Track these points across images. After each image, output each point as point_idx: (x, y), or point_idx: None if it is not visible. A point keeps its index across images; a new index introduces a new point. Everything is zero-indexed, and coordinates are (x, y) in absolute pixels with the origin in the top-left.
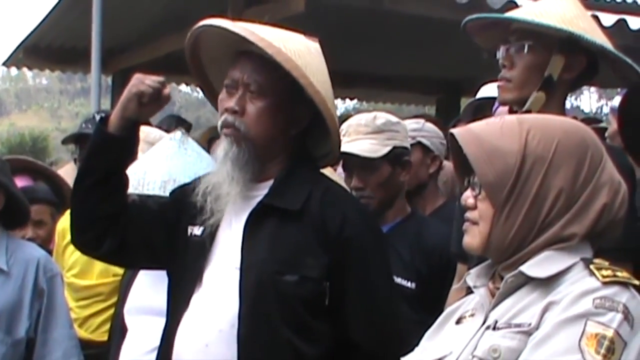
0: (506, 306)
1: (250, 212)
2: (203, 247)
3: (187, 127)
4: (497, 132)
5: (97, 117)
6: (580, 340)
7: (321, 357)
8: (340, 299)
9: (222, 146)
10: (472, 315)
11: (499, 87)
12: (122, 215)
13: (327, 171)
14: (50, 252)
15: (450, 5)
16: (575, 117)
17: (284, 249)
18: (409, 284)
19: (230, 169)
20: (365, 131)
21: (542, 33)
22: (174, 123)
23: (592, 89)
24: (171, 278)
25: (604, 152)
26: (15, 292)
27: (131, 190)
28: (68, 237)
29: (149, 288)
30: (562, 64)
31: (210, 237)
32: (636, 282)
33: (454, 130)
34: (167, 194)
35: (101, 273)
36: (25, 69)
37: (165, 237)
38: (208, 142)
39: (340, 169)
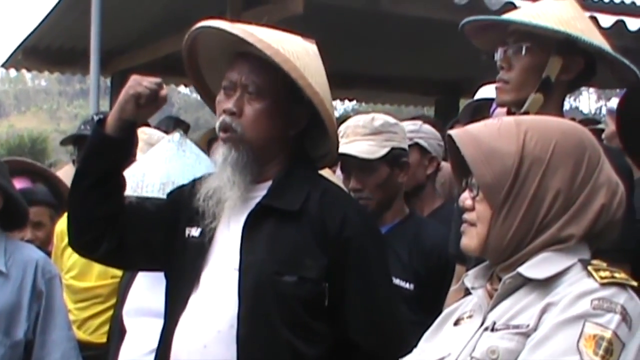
0: (504, 307)
1: (248, 213)
2: (201, 248)
3: (185, 128)
4: (495, 133)
5: (96, 119)
6: (578, 341)
7: (320, 358)
8: (340, 299)
9: (221, 151)
10: (470, 316)
11: (496, 88)
12: (120, 217)
13: (326, 172)
14: (49, 254)
15: (449, 6)
16: (573, 119)
17: (282, 249)
18: (407, 285)
19: (231, 173)
20: (363, 132)
21: (539, 35)
22: (172, 124)
23: (591, 89)
24: (169, 279)
25: (601, 153)
26: (13, 293)
27: (130, 192)
28: (67, 238)
29: (148, 290)
30: (560, 65)
31: (208, 238)
32: (634, 283)
33: (451, 132)
34: (165, 196)
35: (100, 275)
36: (24, 71)
37: (162, 239)
38: (208, 143)
39: (339, 170)
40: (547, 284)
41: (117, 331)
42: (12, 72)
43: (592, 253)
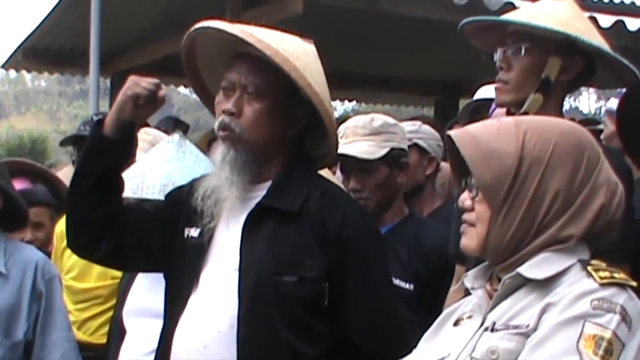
0: (504, 308)
1: (248, 213)
2: (200, 249)
3: (184, 128)
4: (494, 133)
5: (95, 119)
6: (578, 341)
7: (320, 358)
8: (340, 299)
9: (220, 150)
10: (470, 317)
11: (496, 89)
12: (118, 218)
13: (326, 173)
14: (49, 255)
15: (448, 6)
16: (573, 119)
17: (282, 249)
18: (407, 286)
19: (229, 172)
20: (362, 133)
21: (538, 35)
22: (172, 125)
23: (591, 90)
24: (168, 280)
25: (600, 154)
26: (13, 294)
27: (130, 194)
28: None
29: (148, 290)
30: (559, 65)
31: (207, 238)
32: (633, 283)
33: (451, 132)
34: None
35: (99, 276)
36: (24, 71)
37: (161, 240)
38: (208, 144)
39: (339, 172)
40: (546, 284)
41: (117, 332)
42: (12, 72)
43: (591, 253)
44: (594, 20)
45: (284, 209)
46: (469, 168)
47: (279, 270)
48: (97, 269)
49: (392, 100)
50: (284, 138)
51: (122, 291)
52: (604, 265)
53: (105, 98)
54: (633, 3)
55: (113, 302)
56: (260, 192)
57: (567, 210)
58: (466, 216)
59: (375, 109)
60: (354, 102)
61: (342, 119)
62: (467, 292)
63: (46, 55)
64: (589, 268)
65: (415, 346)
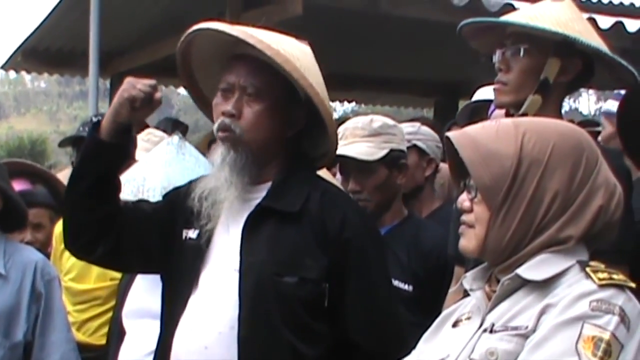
0: (503, 309)
1: (248, 215)
2: (199, 250)
3: (183, 129)
4: (493, 135)
5: (95, 120)
6: (577, 343)
7: (320, 358)
8: (340, 299)
9: (219, 151)
10: (469, 318)
11: (495, 90)
12: (116, 220)
13: (325, 174)
14: (48, 256)
15: (448, 8)
16: (572, 120)
17: (283, 250)
18: (406, 287)
19: (228, 174)
20: (362, 134)
21: (537, 36)
22: (171, 125)
23: (591, 91)
24: (166, 281)
25: (599, 155)
26: (13, 295)
27: (131, 196)
28: None
29: (147, 291)
30: (558, 67)
31: (206, 239)
32: (632, 284)
33: (449, 134)
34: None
35: (98, 277)
36: (23, 72)
37: (159, 241)
38: (208, 146)
39: (339, 174)
40: (545, 285)
41: (116, 333)
42: (12, 73)
43: (590, 254)
44: (593, 21)
45: (284, 210)
46: (468, 169)
47: (280, 271)
48: (96, 270)
49: (392, 101)
50: (283, 139)
51: (121, 292)
52: (602, 266)
53: (105, 99)
54: (632, 4)
55: (112, 303)
56: (260, 193)
57: (565, 212)
58: (465, 217)
59: (374, 110)
60: (353, 103)
61: (342, 120)
62: (466, 294)
63: (46, 56)
64: (587, 269)
65: (414, 347)
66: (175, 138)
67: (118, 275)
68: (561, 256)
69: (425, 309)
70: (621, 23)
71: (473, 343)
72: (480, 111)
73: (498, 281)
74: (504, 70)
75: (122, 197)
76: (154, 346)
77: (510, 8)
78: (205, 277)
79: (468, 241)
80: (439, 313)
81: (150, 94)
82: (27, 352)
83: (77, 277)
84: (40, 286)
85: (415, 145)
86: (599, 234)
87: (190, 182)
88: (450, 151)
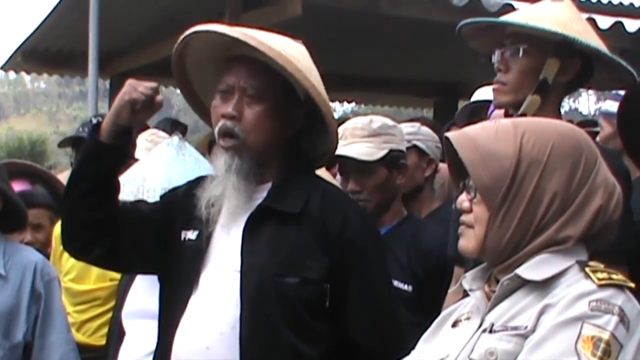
0: (502, 309)
1: (249, 216)
2: (199, 251)
3: (182, 129)
4: (492, 135)
5: (94, 121)
6: (576, 342)
7: (321, 358)
8: (341, 300)
9: (223, 160)
10: (468, 318)
11: (494, 90)
12: (114, 221)
13: (325, 175)
14: (48, 256)
15: (447, 8)
16: (571, 120)
17: (284, 251)
18: (405, 287)
19: (236, 181)
20: (361, 134)
21: (536, 36)
22: (170, 126)
23: (590, 91)
24: (164, 282)
25: (598, 155)
26: (12, 296)
27: (131, 197)
28: None
29: (147, 292)
30: (557, 67)
31: (206, 240)
32: (632, 284)
33: (449, 134)
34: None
35: (98, 278)
36: (23, 73)
37: (156, 242)
38: (209, 146)
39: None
40: (545, 285)
41: (116, 333)
42: (12, 74)
43: (590, 254)
44: (592, 21)
45: (285, 211)
46: (467, 170)
47: (281, 271)
48: (95, 270)
49: (392, 101)
50: (283, 139)
51: (121, 293)
52: (602, 266)
53: (105, 100)
54: (632, 4)
55: (112, 303)
56: (260, 193)
57: (565, 212)
58: (464, 218)
59: (374, 110)
60: (353, 104)
61: (342, 121)
62: (465, 294)
63: (45, 57)
64: (587, 269)
65: (413, 347)
66: (175, 139)
67: (118, 275)
68: (560, 256)
69: (425, 309)
70: (621, 23)
71: (472, 343)
72: (479, 111)
73: (497, 281)
74: (503, 70)
75: (122, 197)
76: (153, 346)
77: (510, 8)
78: (206, 277)
79: (467, 241)
80: (439, 313)
81: (152, 97)
82: (27, 353)
83: (76, 277)
84: (40, 287)
85: (415, 146)
86: (598, 234)
87: (189, 183)
88: (449, 151)
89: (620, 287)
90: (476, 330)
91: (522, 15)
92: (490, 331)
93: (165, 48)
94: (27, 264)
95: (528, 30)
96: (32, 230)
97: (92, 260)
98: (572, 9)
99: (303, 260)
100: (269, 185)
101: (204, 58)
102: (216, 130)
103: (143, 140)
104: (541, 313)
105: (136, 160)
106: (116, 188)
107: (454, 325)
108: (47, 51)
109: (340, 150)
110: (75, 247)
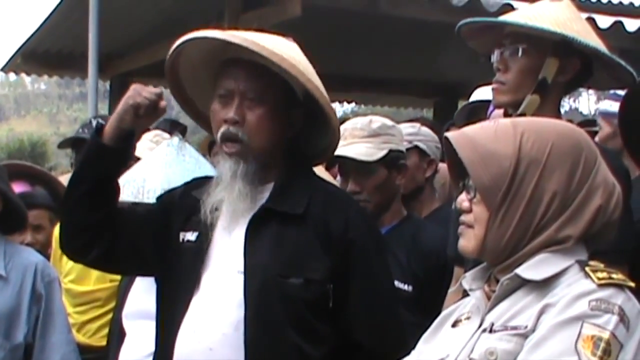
0: (502, 309)
1: (252, 217)
2: (199, 252)
3: (181, 129)
4: (492, 135)
5: (94, 122)
6: (576, 342)
7: (324, 358)
8: (344, 300)
9: (229, 166)
10: (468, 318)
11: (493, 90)
12: (112, 223)
13: (326, 175)
14: (49, 257)
15: (447, 8)
16: (570, 120)
17: (287, 252)
18: (405, 287)
19: (242, 185)
20: (361, 135)
21: (536, 36)
22: (169, 126)
23: (590, 91)
24: (162, 283)
25: (598, 155)
26: (13, 297)
27: (131, 198)
28: None
29: (147, 293)
30: (556, 66)
31: (206, 241)
32: (631, 284)
33: (448, 134)
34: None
35: (98, 279)
36: (23, 74)
37: (153, 244)
38: (209, 147)
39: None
40: (544, 285)
41: (116, 334)
42: (12, 75)
43: (589, 254)
44: (592, 21)
45: (288, 212)
46: (467, 170)
47: (285, 272)
48: (96, 271)
49: (391, 102)
50: (284, 140)
51: (121, 293)
52: (602, 266)
53: (105, 101)
54: (632, 4)
55: (112, 304)
56: (261, 194)
57: (564, 211)
58: (464, 217)
59: (374, 110)
60: (353, 104)
61: (341, 121)
62: (465, 294)
63: (45, 58)
64: (587, 269)
65: (413, 347)
66: (176, 139)
67: (118, 276)
68: (560, 256)
69: (425, 309)
70: (620, 23)
71: (472, 343)
72: (478, 112)
73: (497, 281)
74: (502, 70)
75: (122, 198)
76: (154, 347)
77: (509, 8)
78: (208, 279)
79: (467, 241)
80: (439, 313)
81: (155, 102)
82: (28, 354)
83: (77, 278)
84: (40, 288)
85: (416, 146)
86: (598, 233)
87: (186, 184)
88: (449, 151)
89: (620, 286)
90: (476, 330)
91: (521, 15)
92: (490, 331)
93: (165, 49)
94: (27, 265)
95: (527, 30)
96: (33, 232)
97: (89, 262)
98: (571, 9)
99: (306, 261)
100: (270, 186)
101: (197, 62)
102: (219, 135)
103: (147, 141)
104: (541, 313)
105: (138, 160)
106: (116, 191)
107: (454, 325)
108: (47, 52)
109: (339, 151)
110: (73, 248)
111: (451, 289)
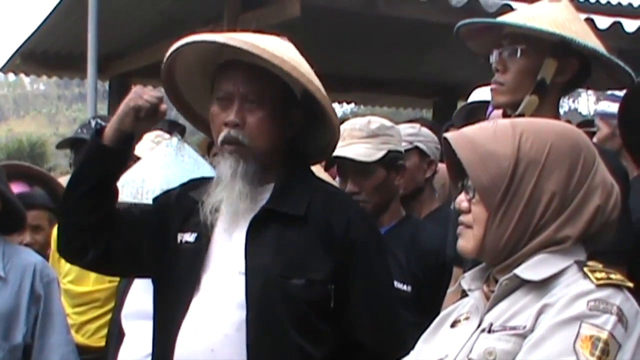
0: (501, 309)
1: (252, 218)
2: (198, 253)
3: (180, 130)
4: (491, 136)
5: (93, 122)
6: (574, 342)
7: (325, 358)
8: (345, 300)
9: (229, 164)
10: (467, 318)
11: (492, 90)
12: (109, 225)
13: (321, 173)
14: (47, 258)
15: (446, 8)
16: (569, 121)
17: (289, 253)
18: (404, 287)
19: (242, 185)
20: (359, 135)
21: (534, 37)
22: (167, 126)
23: (590, 91)
24: (159, 285)
25: (596, 155)
26: (12, 297)
27: (130, 198)
28: None
29: (146, 293)
30: (555, 67)
31: (205, 242)
32: (630, 284)
33: (447, 134)
34: None
35: (97, 279)
36: (22, 75)
37: (150, 245)
38: (208, 148)
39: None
40: (543, 285)
41: (115, 334)
42: (11, 76)
43: (588, 254)
44: (591, 21)
45: (289, 213)
46: (466, 170)
47: (287, 273)
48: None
49: (391, 102)
50: (284, 140)
51: (120, 294)
52: (600, 266)
53: (104, 101)
54: (630, 4)
55: (111, 305)
56: (261, 195)
57: (563, 212)
58: (463, 218)
59: (373, 111)
60: (352, 105)
61: (340, 122)
62: (464, 294)
63: (44, 59)
64: (585, 269)
65: (412, 347)
66: (175, 140)
67: (116, 277)
68: (559, 256)
69: (424, 309)
70: (619, 23)
71: (471, 343)
72: (476, 112)
73: (496, 281)
74: (501, 70)
75: (121, 198)
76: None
77: (508, 9)
78: (208, 280)
79: (466, 242)
80: (438, 313)
81: (156, 105)
82: (27, 354)
83: (75, 279)
84: (39, 288)
85: (416, 147)
86: (596, 234)
87: (182, 185)
88: (448, 152)
89: (618, 286)
90: (475, 330)
91: (520, 16)
92: (489, 331)
93: (164, 49)
94: (26, 266)
95: (526, 30)
96: (31, 232)
97: (86, 264)
98: (569, 10)
99: (308, 262)
100: (270, 186)
101: (192, 65)
102: (220, 139)
103: (148, 142)
104: (540, 313)
105: (138, 159)
106: (115, 193)
107: (453, 325)
108: (46, 53)
109: (338, 152)
110: (71, 250)
111: (450, 289)
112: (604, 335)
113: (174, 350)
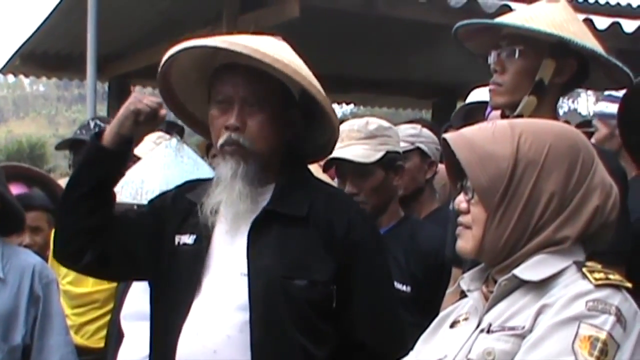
0: (500, 309)
1: (254, 219)
2: (198, 255)
3: (178, 130)
4: (489, 136)
5: (92, 123)
6: (573, 342)
7: (327, 358)
8: (347, 300)
9: (229, 165)
10: (466, 318)
11: (490, 91)
12: (106, 228)
13: (324, 176)
14: (46, 259)
15: (445, 9)
16: (567, 121)
17: (291, 254)
18: (404, 288)
19: (242, 186)
20: (358, 136)
21: (532, 38)
22: (165, 127)
23: (589, 91)
24: (157, 287)
25: (595, 156)
26: (11, 298)
27: (130, 199)
28: None
29: (145, 294)
30: (553, 68)
31: (205, 244)
32: (628, 284)
33: (446, 135)
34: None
35: (96, 280)
36: (22, 76)
37: (146, 248)
38: (207, 149)
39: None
40: (542, 285)
41: (114, 335)
42: (10, 77)
43: (587, 255)
44: (590, 22)
45: (291, 214)
46: (465, 171)
47: (289, 274)
48: None
49: (390, 103)
50: (283, 142)
51: (119, 295)
52: (599, 266)
53: (104, 102)
54: (629, 5)
55: (110, 306)
56: (262, 196)
57: (562, 212)
58: (462, 218)
59: (373, 112)
60: (351, 105)
61: (339, 122)
62: (463, 294)
63: (44, 60)
64: (584, 269)
65: (412, 348)
66: (174, 141)
67: None
68: (558, 257)
69: (423, 309)
70: (618, 24)
71: (470, 343)
72: (474, 113)
73: (495, 282)
74: (499, 71)
75: (120, 199)
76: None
77: (507, 9)
78: (209, 282)
79: (465, 242)
80: (437, 314)
81: (156, 110)
82: (26, 356)
83: (75, 280)
84: (38, 289)
85: (417, 148)
86: (595, 234)
87: (178, 187)
88: (447, 152)
89: (617, 287)
90: (474, 331)
91: (518, 17)
92: (488, 331)
93: (163, 51)
94: (25, 267)
95: (524, 31)
96: (31, 233)
97: (81, 268)
98: (567, 10)
99: (310, 263)
100: (270, 187)
101: (188, 68)
102: (220, 142)
103: (150, 142)
104: (538, 313)
105: (138, 159)
106: (113, 196)
107: (452, 325)
108: (45, 54)
109: (337, 153)
110: (66, 252)
111: (449, 290)
112: (602, 335)
113: (176, 352)
